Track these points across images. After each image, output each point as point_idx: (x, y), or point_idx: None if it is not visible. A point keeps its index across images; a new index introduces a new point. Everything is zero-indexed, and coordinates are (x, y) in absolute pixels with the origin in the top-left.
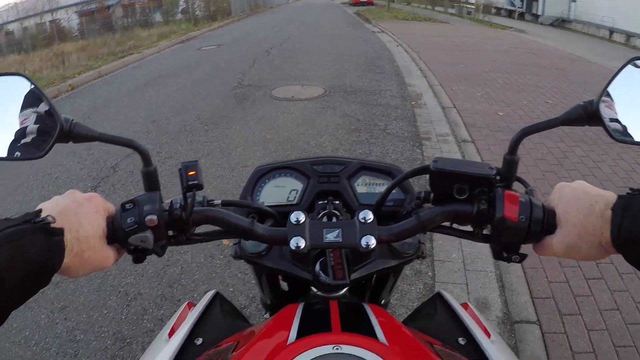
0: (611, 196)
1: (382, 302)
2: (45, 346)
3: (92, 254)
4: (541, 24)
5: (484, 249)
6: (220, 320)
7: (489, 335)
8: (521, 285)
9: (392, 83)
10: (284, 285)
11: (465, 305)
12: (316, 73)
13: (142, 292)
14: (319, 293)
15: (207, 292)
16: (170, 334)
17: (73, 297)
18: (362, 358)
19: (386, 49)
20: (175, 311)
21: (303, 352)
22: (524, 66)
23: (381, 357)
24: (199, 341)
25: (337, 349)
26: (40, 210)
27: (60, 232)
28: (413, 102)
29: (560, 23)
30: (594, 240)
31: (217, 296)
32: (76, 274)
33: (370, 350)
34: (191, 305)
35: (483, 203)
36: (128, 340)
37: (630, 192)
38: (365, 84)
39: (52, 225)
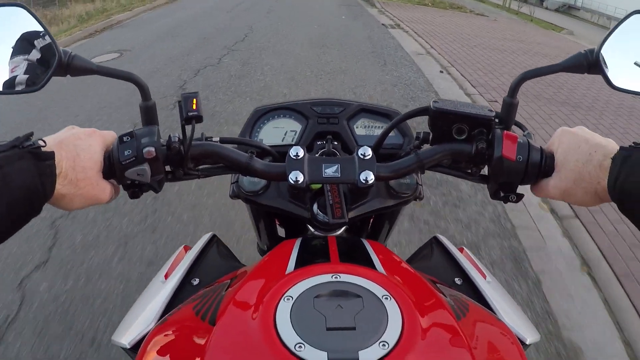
0: (611, 146)
1: None
2: None
3: (88, 184)
4: (546, 8)
5: None
6: (217, 261)
7: (484, 276)
8: None
9: None
10: (281, 232)
11: (461, 249)
12: None
13: None
14: (317, 233)
15: (203, 235)
16: (167, 277)
17: None
18: (361, 286)
19: (421, 76)
20: (171, 255)
21: (302, 280)
22: None
23: (380, 285)
24: (196, 281)
25: (336, 277)
26: (30, 134)
27: (51, 155)
28: None
29: (567, 9)
30: (590, 188)
31: (214, 239)
32: (71, 204)
33: (369, 279)
34: (187, 248)
35: (482, 143)
36: None
37: (633, 144)
38: None
39: (43, 149)
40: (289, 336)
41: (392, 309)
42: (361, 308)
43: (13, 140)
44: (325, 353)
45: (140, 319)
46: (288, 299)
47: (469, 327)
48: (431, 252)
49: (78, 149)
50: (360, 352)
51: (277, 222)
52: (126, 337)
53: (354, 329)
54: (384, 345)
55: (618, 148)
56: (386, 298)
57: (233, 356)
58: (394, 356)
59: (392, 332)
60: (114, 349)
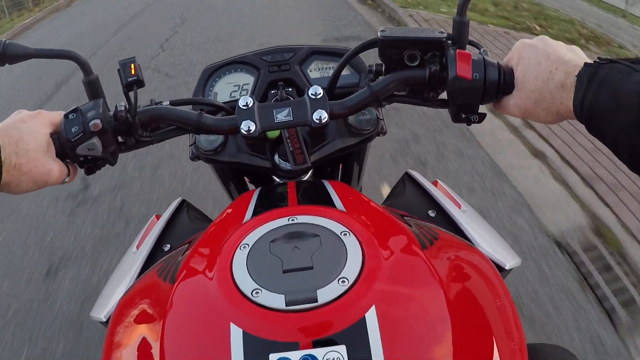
0: (575, 61)
1: None
2: None
3: (33, 167)
4: None
5: None
6: (188, 225)
7: (459, 206)
8: None
9: None
10: (252, 188)
11: (435, 183)
12: None
13: None
14: (281, 182)
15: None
16: (139, 247)
17: None
18: (318, 225)
19: None
20: (143, 226)
21: (258, 227)
22: None
23: (338, 222)
24: (167, 247)
25: (292, 220)
26: None
27: None
28: None
29: None
30: (552, 108)
31: (184, 203)
32: (18, 189)
33: (327, 217)
34: (159, 217)
35: (435, 65)
36: None
37: (598, 60)
38: None
39: None
40: (246, 283)
41: (352, 244)
42: (318, 247)
43: None
44: (283, 295)
45: (113, 291)
46: (244, 247)
47: (438, 256)
48: (404, 189)
49: (21, 132)
50: (318, 291)
51: (247, 180)
52: (101, 311)
53: (311, 268)
54: (343, 281)
55: (582, 64)
56: (345, 234)
57: (192, 311)
58: (354, 291)
59: (351, 268)
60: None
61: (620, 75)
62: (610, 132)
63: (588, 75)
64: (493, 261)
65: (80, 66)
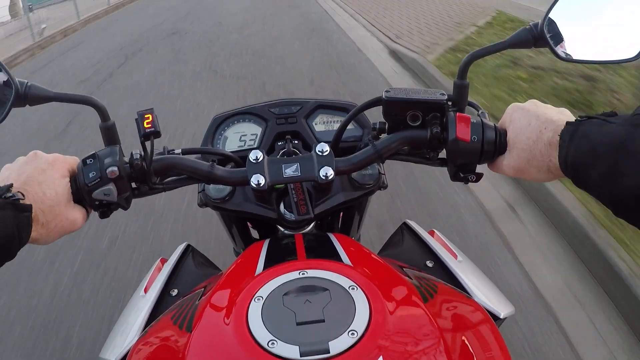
0: (561, 122)
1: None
2: None
3: (59, 222)
4: None
5: None
6: (194, 270)
7: (455, 256)
8: None
9: None
10: (255, 234)
11: (431, 232)
12: None
13: None
14: (287, 232)
15: (178, 246)
16: (146, 290)
17: None
18: (327, 279)
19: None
20: (149, 268)
21: (271, 280)
22: None
23: (346, 277)
24: (174, 292)
25: (303, 273)
26: (10, 185)
27: (29, 208)
28: None
29: None
30: (542, 166)
31: (189, 248)
32: (46, 242)
33: (335, 272)
34: (164, 260)
35: (436, 127)
36: None
37: (579, 118)
38: None
39: (22, 201)
40: (262, 334)
41: (359, 298)
42: (329, 300)
43: None
44: (297, 347)
45: (124, 334)
46: (259, 299)
47: (438, 308)
48: (402, 239)
49: (43, 186)
50: (330, 343)
51: (250, 225)
52: (112, 352)
53: (323, 321)
54: (352, 334)
55: (565, 124)
56: (352, 288)
57: (210, 359)
58: (363, 343)
59: (360, 321)
60: None
61: (595, 129)
62: (591, 183)
63: (570, 133)
64: (488, 310)
65: (98, 112)
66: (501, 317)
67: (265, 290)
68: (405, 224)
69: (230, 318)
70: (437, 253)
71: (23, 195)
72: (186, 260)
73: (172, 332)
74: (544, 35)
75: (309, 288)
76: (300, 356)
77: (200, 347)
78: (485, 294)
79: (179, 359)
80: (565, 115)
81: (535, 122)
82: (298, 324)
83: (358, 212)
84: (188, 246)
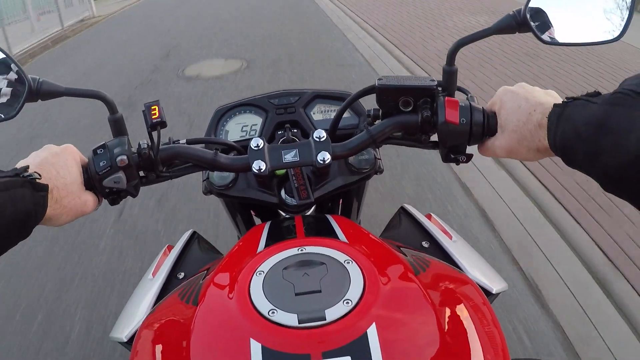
0: (549, 104)
1: None
2: None
3: (72, 199)
4: None
5: None
6: (199, 255)
7: (450, 237)
8: None
9: None
10: (258, 222)
11: (428, 216)
12: None
13: None
14: (288, 216)
15: (184, 232)
16: (154, 274)
17: None
18: (324, 254)
19: None
20: (157, 255)
21: (271, 256)
22: None
23: (342, 252)
24: (181, 275)
25: (301, 250)
26: (27, 166)
27: (45, 188)
28: None
29: None
30: (532, 146)
31: (195, 235)
32: (58, 222)
33: (332, 248)
34: (171, 247)
35: (427, 111)
36: None
37: (565, 100)
38: None
39: (38, 181)
40: (263, 304)
41: (354, 271)
42: (325, 273)
43: (12, 169)
44: (296, 315)
45: (133, 314)
46: (260, 274)
47: (430, 281)
48: (399, 222)
49: (57, 167)
50: (326, 311)
51: (253, 213)
52: (122, 331)
53: (319, 291)
54: (347, 302)
55: (552, 106)
56: (348, 262)
57: (215, 329)
58: (357, 311)
59: (354, 291)
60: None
61: (578, 110)
62: (579, 162)
63: (557, 115)
64: (481, 286)
65: (106, 105)
66: (494, 292)
67: (266, 266)
68: (402, 208)
69: (233, 291)
70: (433, 234)
71: (40, 175)
72: (192, 246)
73: (180, 308)
74: (526, 21)
75: (307, 262)
76: (299, 323)
77: (206, 318)
78: (478, 270)
79: (186, 330)
80: (552, 97)
81: (524, 104)
82: (296, 294)
83: (356, 198)
84: (194, 233)
